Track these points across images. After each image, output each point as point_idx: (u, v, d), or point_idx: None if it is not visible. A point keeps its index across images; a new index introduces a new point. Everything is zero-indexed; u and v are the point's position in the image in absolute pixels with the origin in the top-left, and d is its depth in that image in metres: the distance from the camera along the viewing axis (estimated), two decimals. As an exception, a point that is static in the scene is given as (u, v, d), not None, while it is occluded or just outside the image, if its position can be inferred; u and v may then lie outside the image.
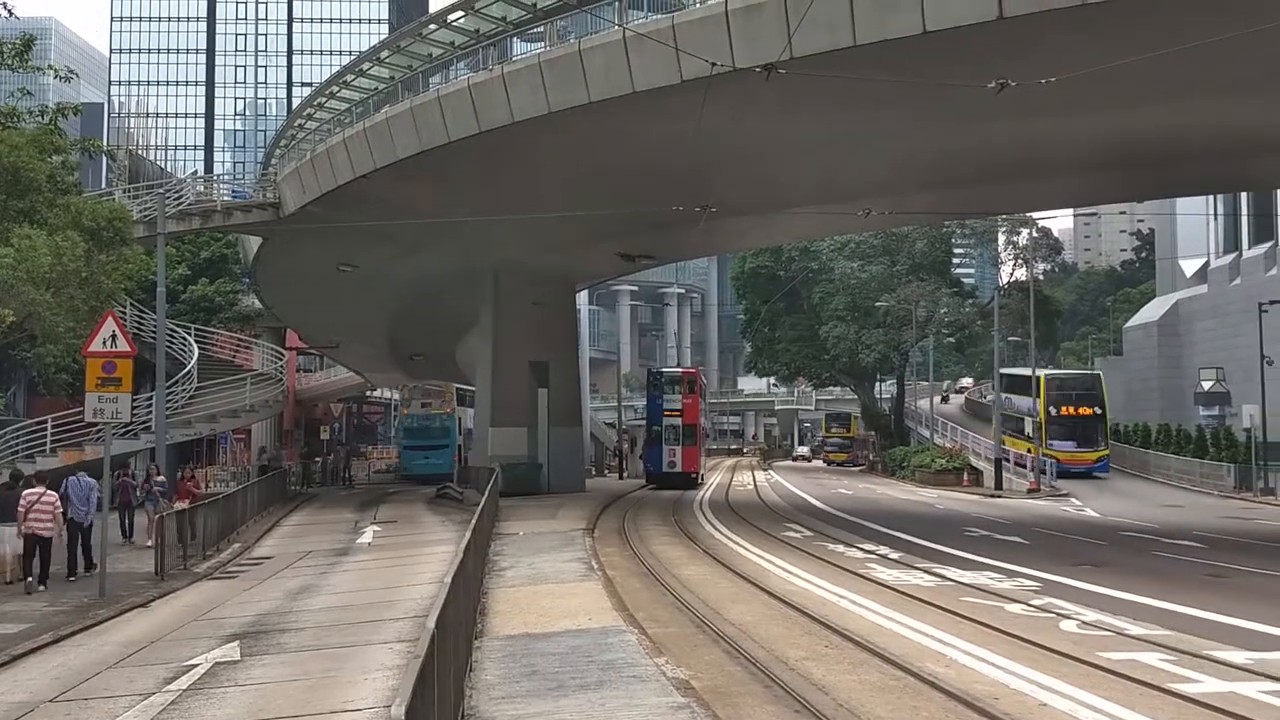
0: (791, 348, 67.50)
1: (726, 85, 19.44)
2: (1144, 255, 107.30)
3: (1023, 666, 10.01)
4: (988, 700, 8.76)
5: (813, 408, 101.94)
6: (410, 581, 16.68)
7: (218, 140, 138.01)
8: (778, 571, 17.58)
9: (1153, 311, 77.33)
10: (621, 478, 53.79)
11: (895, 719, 8.38)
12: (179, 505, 21.58)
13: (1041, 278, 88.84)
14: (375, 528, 27.35)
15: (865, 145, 25.11)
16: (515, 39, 27.97)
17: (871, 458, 68.34)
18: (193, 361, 35.88)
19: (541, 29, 25.90)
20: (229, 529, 24.67)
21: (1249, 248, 66.37)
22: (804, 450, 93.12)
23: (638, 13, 24.31)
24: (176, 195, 35.92)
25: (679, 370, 55.64)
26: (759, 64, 18.18)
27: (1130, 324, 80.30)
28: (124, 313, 33.74)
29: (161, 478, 25.43)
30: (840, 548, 21.42)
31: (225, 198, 39.07)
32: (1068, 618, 12.92)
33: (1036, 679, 9.52)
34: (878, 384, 75.10)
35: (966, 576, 16.68)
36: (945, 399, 70.80)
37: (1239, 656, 10.51)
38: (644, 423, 52.95)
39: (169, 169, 63.13)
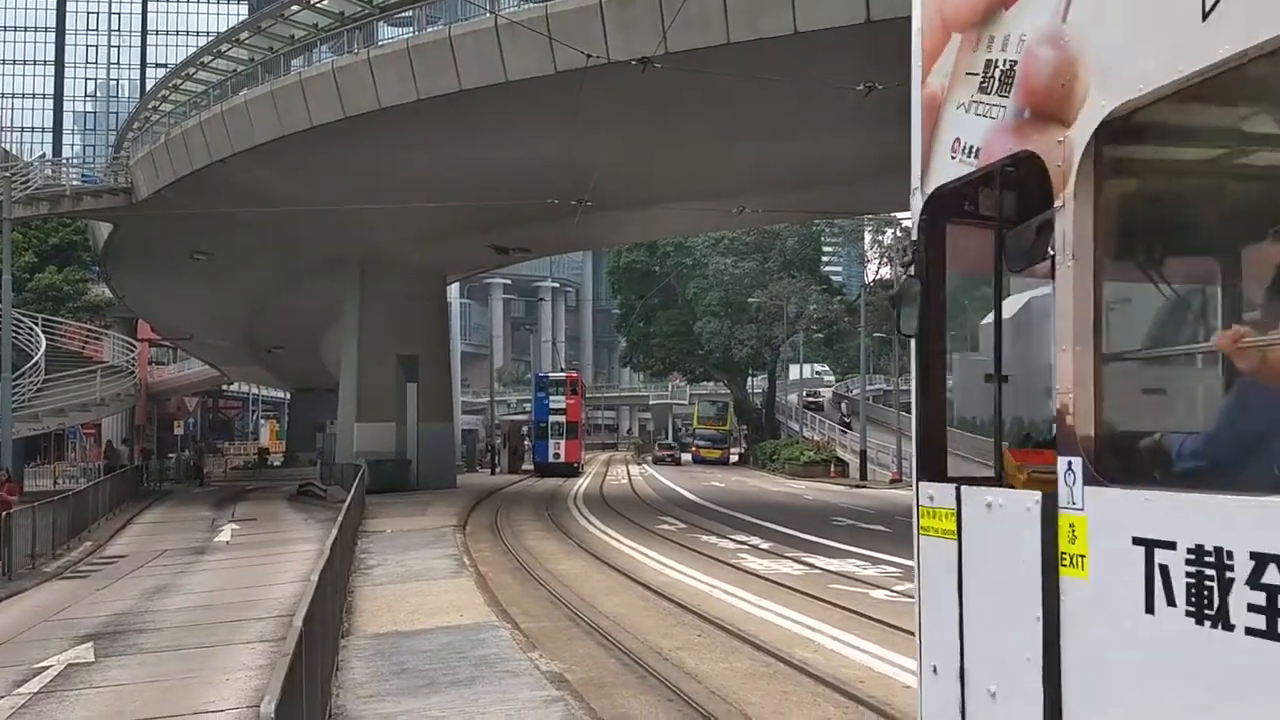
0: (666, 343, 68.13)
1: (602, 78, 19.44)
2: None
3: (888, 650, 10.27)
4: (854, 684, 8.97)
5: (686, 402, 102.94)
6: (272, 580, 16.21)
7: (67, 122, 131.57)
8: (651, 564, 17.69)
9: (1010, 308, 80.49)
10: (494, 473, 53.44)
11: (767, 704, 8.51)
12: None
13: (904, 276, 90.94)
14: (234, 525, 26.50)
15: (739, 143, 25.45)
16: (382, 24, 27.47)
17: (742, 452, 69.36)
18: (40, 353, 34.20)
19: (409, 14, 25.49)
20: (80, 527, 23.63)
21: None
22: (667, 443, 79.04)
23: (511, 0, 24.13)
24: (23, 179, 34.15)
25: (563, 374, 60.21)
26: (634, 57, 18.24)
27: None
28: (-37, 301, 31.93)
29: None
30: (713, 539, 21.68)
31: (75, 182, 37.34)
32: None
33: (901, 662, 9.79)
34: (750, 379, 76.26)
35: (834, 564, 17.07)
36: (814, 402, 72.16)
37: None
38: (519, 418, 59.59)
39: (14, 152, 59.90)
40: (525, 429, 61.17)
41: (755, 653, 10.34)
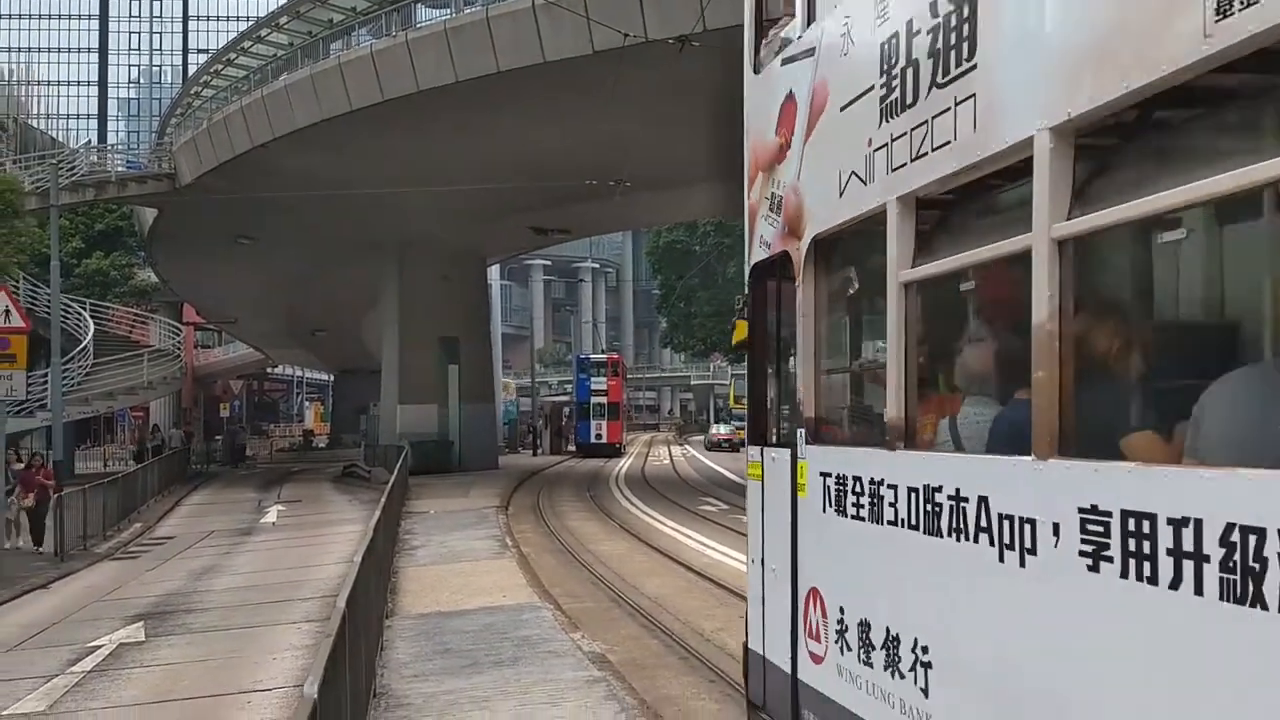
0: (707, 323, 67.78)
1: (640, 57, 19.33)
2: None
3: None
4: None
5: (727, 382, 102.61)
6: (317, 561, 16.40)
7: (111, 109, 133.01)
8: (693, 545, 17.67)
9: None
10: (535, 454, 53.68)
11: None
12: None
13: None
14: (280, 507, 26.83)
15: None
16: (420, 6, 27.49)
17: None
18: (89, 337, 34.76)
19: (447, -6, 25.50)
20: (129, 508, 24.04)
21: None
22: (723, 431, 62.68)
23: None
24: (70, 166, 34.66)
25: (604, 356, 60.36)
26: (672, 36, 18.11)
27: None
28: (17, 287, 32.43)
29: (19, 464, 23.60)
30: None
31: (120, 168, 37.82)
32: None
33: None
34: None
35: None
36: None
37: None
38: (561, 399, 59.96)
39: (61, 139, 60.73)
40: (566, 410, 61.34)
41: (797, 633, 10.31)
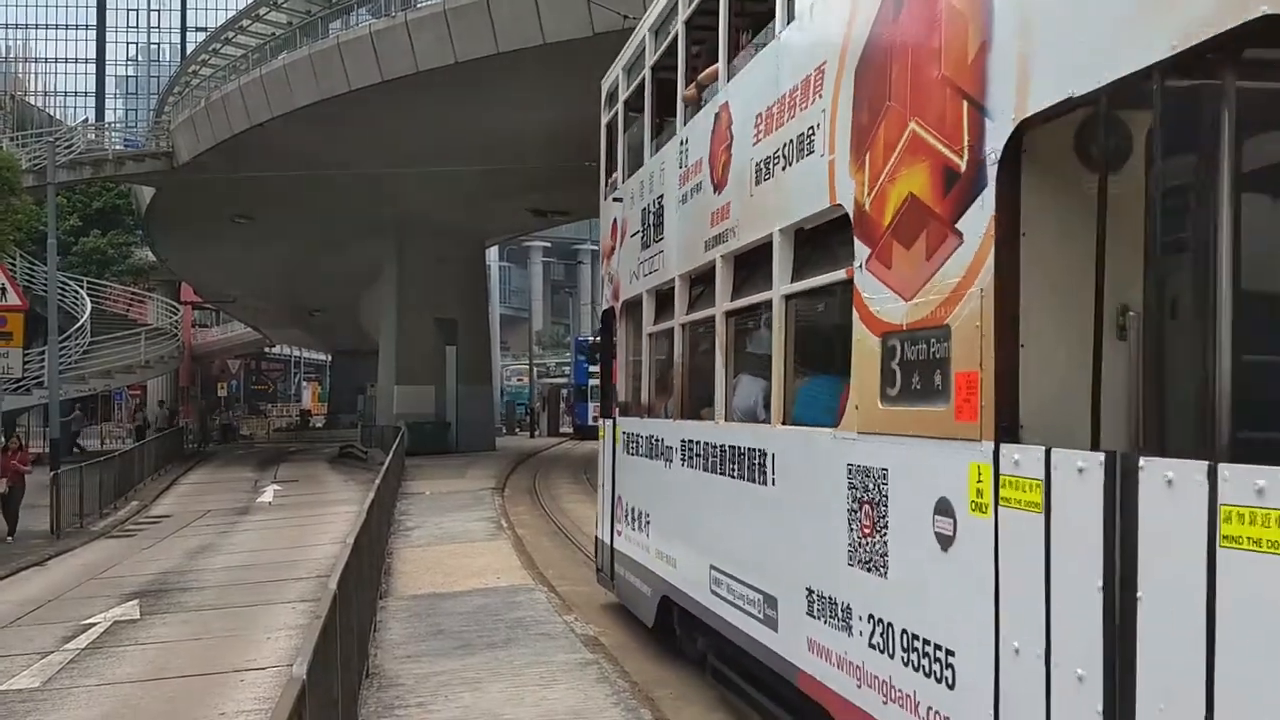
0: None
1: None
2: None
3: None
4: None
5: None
6: (313, 541, 16.45)
7: (109, 86, 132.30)
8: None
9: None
10: (533, 436, 53.76)
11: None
12: None
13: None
14: (276, 486, 26.88)
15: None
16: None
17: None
18: (86, 316, 34.75)
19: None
20: (126, 487, 24.09)
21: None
22: None
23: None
24: (67, 143, 34.56)
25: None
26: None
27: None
28: (14, 265, 32.41)
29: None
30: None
31: (117, 146, 37.73)
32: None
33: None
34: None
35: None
36: None
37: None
38: (559, 381, 60.24)
39: (58, 116, 60.53)
40: (564, 392, 61.41)
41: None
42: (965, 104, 4.04)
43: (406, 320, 37.26)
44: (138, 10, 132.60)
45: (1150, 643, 2.99)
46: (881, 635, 4.61)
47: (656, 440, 8.35)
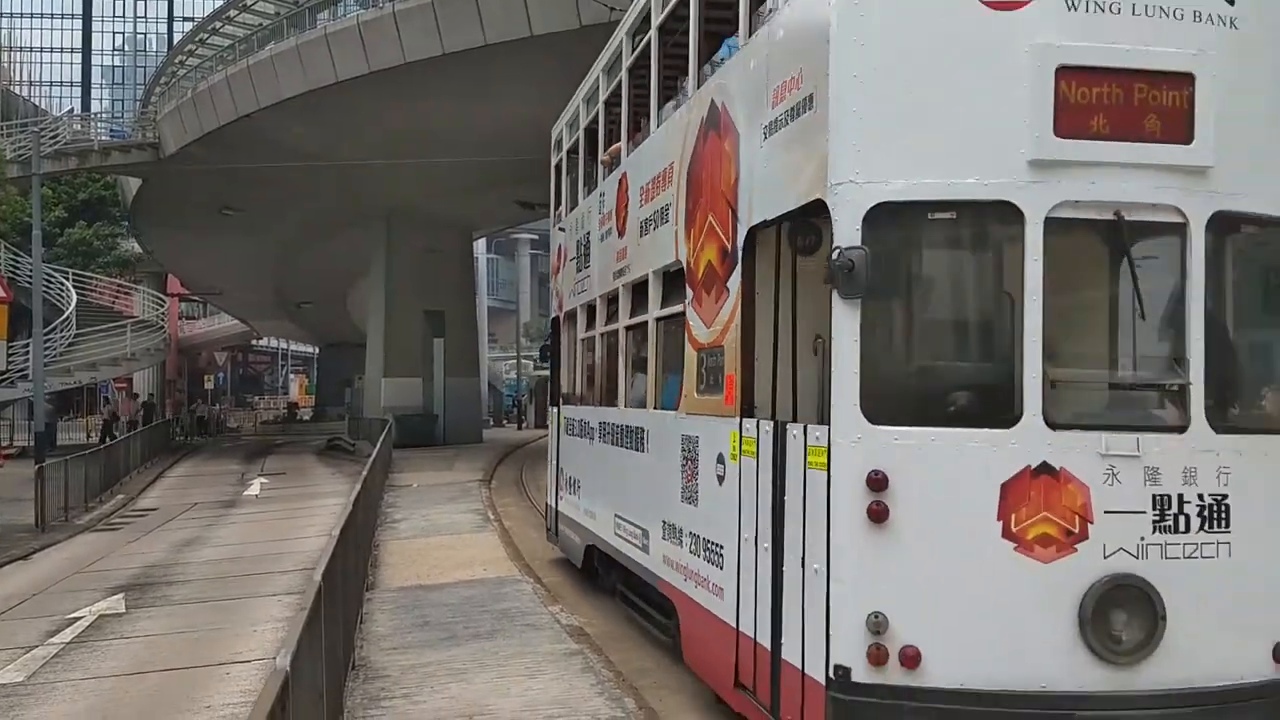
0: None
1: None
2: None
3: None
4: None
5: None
6: (300, 534, 16.44)
7: (95, 76, 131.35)
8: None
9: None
10: (520, 428, 53.69)
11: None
12: None
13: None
14: (263, 479, 26.84)
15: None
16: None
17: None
18: (71, 307, 34.59)
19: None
20: (112, 480, 24.01)
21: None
22: None
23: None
24: (52, 134, 34.39)
25: None
26: (657, 11, 18.01)
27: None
28: (-4, 257, 32.28)
29: None
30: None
31: (104, 137, 37.56)
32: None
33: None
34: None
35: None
36: None
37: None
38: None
39: (44, 106, 60.14)
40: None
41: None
42: (730, 211, 6.46)
43: (394, 312, 37.20)
44: (124, 0, 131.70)
45: (790, 520, 5.53)
46: (693, 544, 7.11)
47: (584, 422, 10.90)
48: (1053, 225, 4.91)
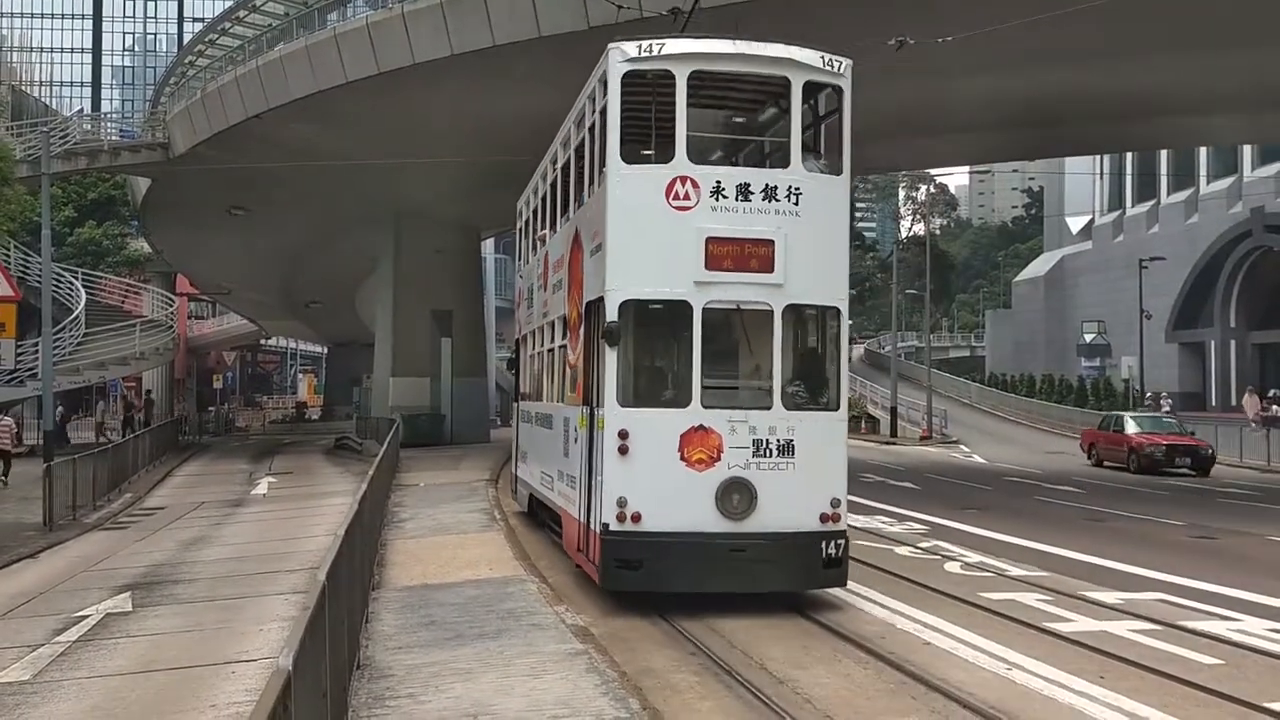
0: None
1: (635, 31, 19.17)
2: (1033, 212, 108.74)
3: (909, 607, 10.34)
4: (875, 639, 9.04)
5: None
6: (307, 533, 16.49)
7: (105, 76, 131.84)
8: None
9: (1040, 267, 79.45)
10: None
11: (786, 657, 8.59)
12: None
13: (938, 232, 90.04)
14: (271, 479, 26.91)
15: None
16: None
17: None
18: (80, 307, 34.70)
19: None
20: (120, 479, 24.07)
21: (1132, 206, 68.59)
22: None
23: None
24: (62, 134, 34.50)
25: None
26: (665, 9, 18.00)
27: (1019, 278, 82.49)
28: (7, 256, 32.42)
29: None
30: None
31: (113, 137, 37.67)
32: (952, 559, 13.41)
33: (922, 619, 9.86)
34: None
35: (859, 520, 17.09)
36: None
37: (1111, 597, 11.01)
38: None
39: (54, 106, 60.33)
40: None
41: (776, 610, 10.41)
42: (580, 291, 11.50)
43: (402, 312, 37.29)
44: (134, 0, 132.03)
45: (594, 457, 10.48)
46: (565, 480, 12.21)
47: (528, 412, 16.44)
48: (707, 311, 10.06)
